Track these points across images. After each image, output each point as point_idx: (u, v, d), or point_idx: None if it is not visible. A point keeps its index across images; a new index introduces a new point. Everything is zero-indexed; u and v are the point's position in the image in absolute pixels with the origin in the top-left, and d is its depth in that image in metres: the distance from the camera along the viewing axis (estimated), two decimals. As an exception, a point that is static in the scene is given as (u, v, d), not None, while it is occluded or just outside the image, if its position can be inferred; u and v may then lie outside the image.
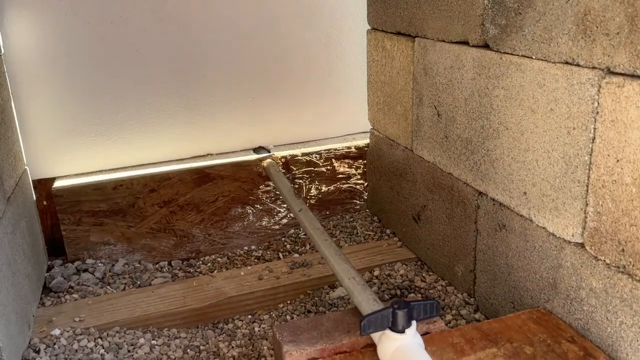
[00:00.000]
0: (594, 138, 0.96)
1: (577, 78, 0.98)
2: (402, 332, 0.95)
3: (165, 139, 1.84)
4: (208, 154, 1.90)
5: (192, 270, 1.75)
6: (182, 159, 1.87)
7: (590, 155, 0.98)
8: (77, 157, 1.76)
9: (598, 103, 0.94)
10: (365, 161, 1.98)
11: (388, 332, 0.96)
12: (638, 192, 0.89)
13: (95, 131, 1.76)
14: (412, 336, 0.95)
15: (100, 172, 1.78)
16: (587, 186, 0.99)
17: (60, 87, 1.71)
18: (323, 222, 1.97)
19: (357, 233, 1.89)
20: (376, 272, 1.64)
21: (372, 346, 1.03)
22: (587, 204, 1.00)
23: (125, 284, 1.65)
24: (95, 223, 1.71)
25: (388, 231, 1.86)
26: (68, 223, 1.69)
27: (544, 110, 1.07)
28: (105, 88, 1.74)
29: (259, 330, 1.46)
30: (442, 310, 1.42)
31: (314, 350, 1.04)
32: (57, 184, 1.71)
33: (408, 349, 0.93)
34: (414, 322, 0.97)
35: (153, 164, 1.83)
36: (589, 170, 0.98)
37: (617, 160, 0.92)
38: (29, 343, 1.33)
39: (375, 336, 1.01)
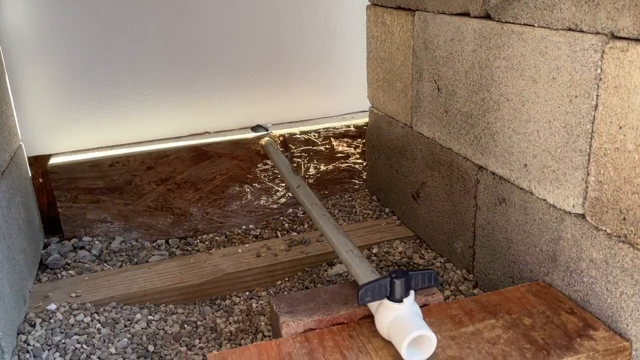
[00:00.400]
0: (597, 105, 0.95)
1: (580, 44, 0.96)
2: (400, 301, 0.94)
3: (163, 116, 1.82)
4: (206, 132, 1.88)
5: (189, 249, 1.74)
6: (180, 137, 1.85)
7: (593, 123, 0.96)
8: (73, 134, 1.75)
9: (601, 69, 0.93)
10: (364, 140, 1.97)
11: (386, 301, 0.95)
12: (641, 158, 0.87)
13: (92, 107, 1.75)
14: (410, 306, 0.94)
15: (97, 149, 1.77)
16: (589, 155, 0.98)
17: (56, 62, 1.68)
18: (322, 202, 1.95)
19: (356, 212, 1.88)
20: (375, 250, 1.63)
21: (370, 317, 1.02)
22: (588, 174, 0.99)
23: (122, 261, 1.64)
24: (91, 200, 1.70)
25: (387, 210, 1.85)
26: (64, 200, 1.67)
27: (546, 79, 1.05)
28: (101, 63, 1.72)
29: (256, 307, 1.45)
30: (440, 286, 1.41)
31: (311, 321, 1.03)
32: (53, 160, 1.69)
33: (405, 318, 0.92)
34: (412, 292, 0.96)
35: (150, 141, 1.81)
36: (591, 138, 0.97)
37: (620, 127, 0.90)
38: (25, 317, 1.32)
39: (373, 307, 1.00)
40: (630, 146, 0.89)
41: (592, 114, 0.96)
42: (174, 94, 1.82)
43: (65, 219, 1.69)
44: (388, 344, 0.96)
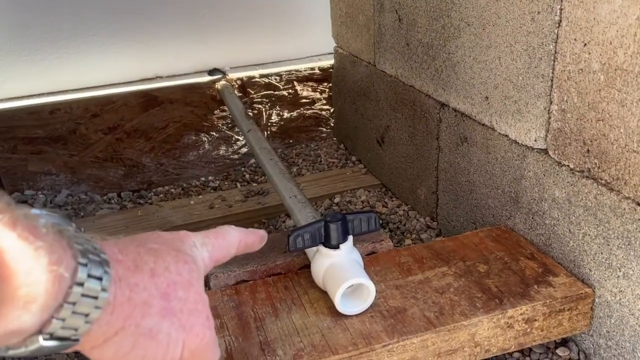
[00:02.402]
0: (560, 21, 0.82)
1: (543, -51, 0.83)
2: (337, 247, 0.84)
3: (108, 60, 1.68)
4: (157, 77, 1.75)
5: (142, 202, 1.64)
6: (129, 82, 1.71)
7: (556, 43, 0.84)
8: (9, 79, 1.61)
9: (565, -23, 0.80)
10: (330, 84, 1.83)
11: (321, 248, 0.85)
12: (606, 79, 0.75)
13: (28, 50, 1.60)
14: (347, 252, 0.84)
15: (37, 95, 1.63)
16: (552, 80, 0.86)
17: (-16, -1, 1.53)
18: (285, 151, 1.84)
19: (321, 161, 1.77)
20: (337, 199, 1.53)
21: (309, 267, 0.92)
22: (551, 102, 0.87)
23: (67, 215, 1.53)
24: (32, 151, 1.58)
25: (354, 158, 1.74)
26: (2, 151, 1.55)
27: (507, -5, 0.92)
28: (38, 3, 1.57)
29: (206, 260, 1.36)
30: (402, 235, 1.32)
31: (243, 272, 0.93)
32: (-13, 108, 1.56)
33: (342, 266, 0.82)
34: (350, 237, 0.85)
35: (95, 87, 1.67)
36: (554, 61, 0.85)
37: (585, 44, 0.78)
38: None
39: (310, 254, 0.90)
40: (596, 65, 0.77)
41: (555, 31, 0.83)
42: (121, 34, 1.67)
43: (4, 171, 1.57)
44: (325, 295, 0.86)
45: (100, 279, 0.40)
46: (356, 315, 0.82)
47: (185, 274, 0.48)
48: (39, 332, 0.38)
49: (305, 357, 0.75)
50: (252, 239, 0.62)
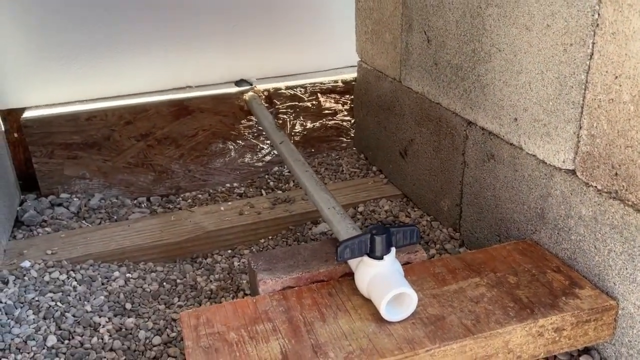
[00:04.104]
0: (592, 54, 0.89)
1: (577, -13, 0.89)
2: (381, 258, 0.90)
3: (141, 69, 1.74)
4: (187, 86, 1.81)
5: (171, 207, 1.70)
6: (160, 91, 1.77)
7: (587, 73, 0.91)
8: (48, 87, 1.67)
9: (599, 14, 0.86)
10: (352, 96, 1.90)
11: (366, 258, 0.91)
12: (636, 110, 0.82)
13: (66, 58, 1.66)
14: (390, 263, 0.91)
15: (73, 102, 1.69)
16: (582, 107, 0.93)
17: (26, 8, 1.59)
18: (308, 160, 1.90)
19: (343, 171, 1.83)
20: (360, 208, 1.59)
21: (350, 275, 0.99)
22: (580, 127, 0.94)
23: (102, 218, 1.60)
24: (69, 156, 1.64)
25: (374, 168, 1.81)
26: (40, 156, 1.61)
27: (540, 26, 0.99)
28: (75, 11, 1.63)
29: (238, 265, 1.42)
30: (426, 245, 1.38)
31: (290, 279, 0.99)
32: (27, 114, 1.62)
33: (386, 275, 0.89)
34: (393, 249, 0.92)
35: (129, 95, 1.74)
36: (585, 89, 0.92)
37: (616, 77, 0.85)
38: (-2, 275, 1.28)
39: (353, 264, 0.96)
40: (626, 97, 0.84)
41: (587, 63, 0.90)
42: (154, 45, 1.74)
43: (41, 175, 1.63)
44: (368, 302, 0.93)
45: None
46: (399, 322, 0.88)
47: None
48: None
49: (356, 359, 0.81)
50: None
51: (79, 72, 1.68)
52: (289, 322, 0.89)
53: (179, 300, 1.27)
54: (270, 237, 1.54)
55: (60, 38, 1.64)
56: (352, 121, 1.93)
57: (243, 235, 1.52)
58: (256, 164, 1.85)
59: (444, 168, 1.39)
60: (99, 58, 1.69)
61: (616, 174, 0.88)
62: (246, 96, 1.75)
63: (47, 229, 1.51)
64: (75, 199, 1.65)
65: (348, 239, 0.90)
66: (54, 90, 1.67)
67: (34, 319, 1.15)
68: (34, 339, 1.10)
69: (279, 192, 1.73)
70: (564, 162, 0.99)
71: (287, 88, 1.82)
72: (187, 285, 1.33)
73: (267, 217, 1.54)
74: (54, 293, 1.23)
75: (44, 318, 1.16)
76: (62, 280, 1.28)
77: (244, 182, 1.82)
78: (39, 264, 1.32)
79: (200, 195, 1.76)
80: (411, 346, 0.83)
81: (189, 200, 1.73)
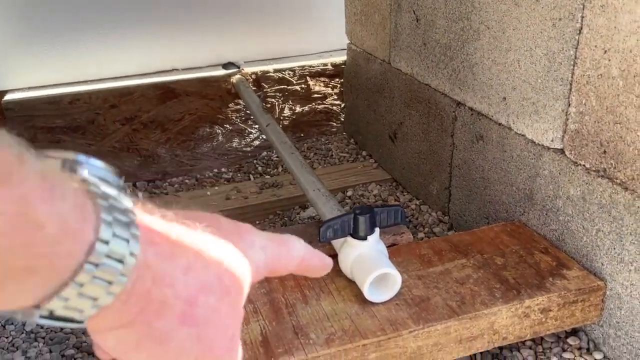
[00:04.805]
0: (581, 28, 0.87)
1: (567, -41, 0.87)
2: (364, 239, 0.88)
3: (126, 52, 1.71)
4: (173, 69, 1.78)
5: (157, 192, 1.67)
6: (145, 74, 1.74)
7: (576, 48, 0.88)
8: (30, 69, 1.63)
9: (588, -13, 0.84)
10: (342, 80, 1.87)
11: (349, 239, 0.89)
12: (625, 85, 0.80)
13: (48, 40, 1.63)
14: (374, 244, 0.89)
15: (56, 85, 1.66)
16: (571, 84, 0.91)
17: (6, -10, 1.55)
18: (297, 145, 1.88)
19: (332, 155, 1.81)
20: (349, 193, 1.57)
21: (335, 257, 0.96)
22: (569, 104, 0.92)
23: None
24: (51, 140, 1.61)
25: (364, 153, 1.78)
26: (22, 140, 1.58)
27: (529, 1, 0.96)
28: (57, -7, 1.59)
29: (224, 250, 1.40)
30: (415, 228, 1.36)
31: (272, 261, 0.97)
32: (8, 97, 1.58)
33: (369, 256, 0.87)
34: (377, 229, 0.90)
35: (113, 78, 1.70)
36: (574, 65, 0.89)
37: (605, 52, 0.83)
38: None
39: (337, 245, 0.94)
40: (615, 72, 0.81)
41: (576, 38, 0.88)
42: (140, 27, 1.70)
43: (23, 159, 1.60)
44: (352, 283, 0.91)
45: (127, 240, 0.33)
46: (382, 303, 0.86)
47: (227, 279, 0.39)
48: (37, 307, 0.32)
49: (337, 341, 0.79)
50: (317, 262, 0.50)
51: (61, 54, 1.65)
52: (270, 304, 0.88)
53: (162, 285, 1.25)
54: (257, 222, 1.52)
55: (42, 19, 1.60)
56: (342, 105, 1.90)
57: (230, 220, 1.49)
58: (244, 148, 1.82)
59: (432, 151, 1.37)
60: (82, 40, 1.65)
61: (604, 151, 0.86)
62: (233, 79, 1.72)
63: (29, 213, 1.48)
64: (59, 184, 1.62)
65: (331, 219, 0.88)
66: (36, 72, 1.64)
67: (13, 304, 1.13)
68: (12, 323, 1.08)
69: (267, 177, 1.71)
70: (552, 141, 0.97)
71: (276, 71, 1.79)
72: (172, 270, 1.31)
73: (254, 202, 1.52)
74: (34, 277, 1.20)
75: (23, 302, 1.13)
76: (43, 265, 1.26)
77: (231, 167, 1.80)
78: (20, 249, 1.30)
79: (187, 181, 1.73)
80: (394, 327, 0.82)
81: (176, 186, 1.71)
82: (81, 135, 1.63)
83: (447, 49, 1.23)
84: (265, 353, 0.78)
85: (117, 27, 1.67)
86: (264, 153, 1.84)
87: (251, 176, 1.73)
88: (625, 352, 0.88)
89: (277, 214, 1.54)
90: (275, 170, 1.76)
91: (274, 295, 0.89)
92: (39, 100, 1.57)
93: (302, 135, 1.90)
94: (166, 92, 1.67)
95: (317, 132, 1.92)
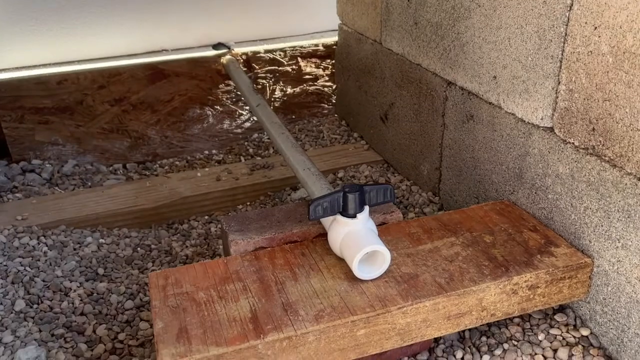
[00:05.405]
0: (572, 4, 0.86)
1: None
2: (354, 216, 0.88)
3: (115, 31, 1.69)
4: (163, 50, 1.76)
5: (148, 173, 1.66)
6: (135, 54, 1.72)
7: (567, 25, 0.88)
8: (17, 49, 1.61)
9: (579, -38, 0.83)
10: (333, 61, 1.86)
11: (339, 217, 0.89)
12: (614, 61, 0.80)
13: (35, 20, 1.60)
14: (364, 221, 0.89)
15: (44, 65, 1.63)
16: (561, 62, 0.90)
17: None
18: (288, 127, 1.87)
19: (324, 137, 1.80)
20: (340, 174, 1.57)
21: (324, 235, 0.97)
22: (559, 82, 0.92)
23: (75, 185, 1.56)
24: (40, 121, 1.59)
25: (355, 135, 1.78)
26: (9, 120, 1.56)
27: (520, -22, 0.95)
28: (43, -29, 1.56)
29: (215, 231, 1.40)
30: (405, 209, 1.37)
31: (262, 239, 0.97)
32: (-5, 77, 1.56)
33: (359, 234, 0.87)
34: (366, 207, 0.90)
35: (102, 58, 1.68)
36: (564, 42, 0.89)
37: (595, 28, 0.82)
38: (-34, 240, 1.25)
39: (327, 223, 0.94)
40: (605, 48, 0.81)
41: (567, 14, 0.87)
42: (128, 6, 1.67)
43: (11, 140, 1.58)
44: (341, 261, 0.91)
45: None
46: (371, 280, 0.87)
47: None
48: None
49: (326, 317, 0.80)
50: None
51: (49, 34, 1.62)
52: (260, 282, 0.88)
53: (153, 265, 1.25)
54: (248, 203, 1.52)
55: (30, 3, 1.58)
56: (334, 87, 1.89)
57: (220, 202, 1.49)
58: (235, 130, 1.81)
59: (423, 131, 1.37)
60: (69, 19, 1.63)
61: (593, 129, 0.86)
62: (224, 59, 1.70)
63: (17, 195, 1.47)
64: (47, 165, 1.61)
65: (320, 197, 0.88)
66: (22, 52, 1.61)
67: (1, 284, 1.12)
68: (1, 303, 1.07)
69: (258, 158, 1.70)
70: (542, 119, 0.97)
71: (267, 52, 1.77)
72: (162, 251, 1.31)
73: (245, 183, 1.52)
74: (23, 258, 1.20)
75: (12, 282, 1.13)
76: (32, 246, 1.25)
77: (222, 149, 1.79)
78: (8, 230, 1.29)
79: (177, 162, 1.72)
80: (383, 303, 0.82)
81: (166, 167, 1.70)
82: (69, 116, 1.61)
83: (438, 27, 1.22)
84: (255, 329, 0.78)
85: (105, 5, 1.65)
86: (255, 135, 1.83)
87: (242, 158, 1.72)
88: (611, 328, 0.89)
89: (268, 195, 1.54)
90: (267, 152, 1.76)
91: (263, 273, 0.89)
92: (26, 80, 1.55)
93: (293, 117, 1.89)
94: (156, 73, 1.65)
95: (309, 114, 1.91)
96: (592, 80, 0.85)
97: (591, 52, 0.84)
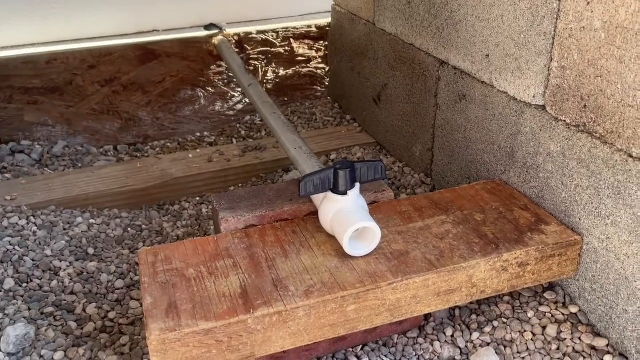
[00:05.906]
0: (565, -20, 0.85)
1: None
2: (344, 193, 0.88)
3: (105, 11, 1.66)
4: (154, 30, 1.73)
5: (139, 155, 1.65)
6: (125, 34, 1.70)
7: (559, 1, 0.87)
8: (5, 28, 1.59)
9: (573, -63, 0.82)
10: (326, 43, 1.84)
11: (329, 194, 0.89)
12: (607, 37, 0.79)
13: (23, -2, 1.58)
14: (354, 198, 0.88)
15: (32, 45, 1.61)
16: (553, 38, 0.90)
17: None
18: (281, 109, 1.86)
19: (316, 119, 1.79)
20: (333, 156, 1.56)
21: (316, 214, 0.96)
22: (551, 59, 0.91)
23: (65, 166, 1.55)
24: (29, 101, 1.57)
25: (348, 117, 1.77)
26: (-2, 100, 1.54)
27: (513, -46, 0.94)
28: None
29: (206, 212, 1.39)
30: (397, 190, 1.36)
31: (253, 217, 0.97)
32: (-18, 56, 1.54)
33: (349, 211, 0.87)
34: (357, 184, 0.89)
35: (92, 38, 1.66)
36: (557, 19, 0.88)
37: (588, 3, 0.82)
38: (-46, 220, 1.23)
39: (318, 201, 0.94)
40: (597, 24, 0.81)
41: (560, -10, 0.87)
42: (117, -15, 1.65)
43: (0, 120, 1.56)
44: (332, 238, 0.91)
45: None
46: (362, 257, 0.86)
47: None
48: None
49: (316, 293, 0.80)
50: None
51: (37, 13, 1.60)
52: (250, 259, 0.87)
53: (144, 245, 1.24)
54: (240, 185, 1.51)
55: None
56: (327, 69, 1.88)
57: (212, 183, 1.48)
58: (227, 112, 1.80)
59: (416, 112, 1.36)
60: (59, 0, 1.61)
61: (585, 106, 0.86)
62: (215, 40, 1.69)
63: (6, 175, 1.46)
64: (37, 146, 1.59)
65: (311, 174, 0.87)
66: (10, 31, 1.59)
67: (-10, 263, 1.12)
68: (-10, 282, 1.07)
69: (250, 140, 1.69)
70: (534, 97, 0.97)
71: (259, 33, 1.75)
72: (153, 231, 1.30)
73: (237, 165, 1.51)
74: (12, 237, 1.19)
75: (1, 262, 1.12)
76: (22, 226, 1.24)
77: (214, 131, 1.78)
78: (-2, 210, 1.28)
79: (169, 144, 1.71)
80: (373, 279, 0.82)
81: (158, 149, 1.69)
82: (59, 97, 1.59)
83: (431, 6, 1.21)
84: (244, 304, 0.78)
85: (95, -15, 1.63)
86: (247, 117, 1.82)
87: (234, 140, 1.71)
88: (600, 305, 0.90)
89: (260, 177, 1.53)
90: (259, 134, 1.75)
91: (254, 250, 0.89)
92: (14, 60, 1.53)
93: (286, 99, 1.88)
94: (146, 53, 1.63)
95: (301, 96, 1.90)
96: (584, 56, 0.84)
97: (584, 27, 0.83)
